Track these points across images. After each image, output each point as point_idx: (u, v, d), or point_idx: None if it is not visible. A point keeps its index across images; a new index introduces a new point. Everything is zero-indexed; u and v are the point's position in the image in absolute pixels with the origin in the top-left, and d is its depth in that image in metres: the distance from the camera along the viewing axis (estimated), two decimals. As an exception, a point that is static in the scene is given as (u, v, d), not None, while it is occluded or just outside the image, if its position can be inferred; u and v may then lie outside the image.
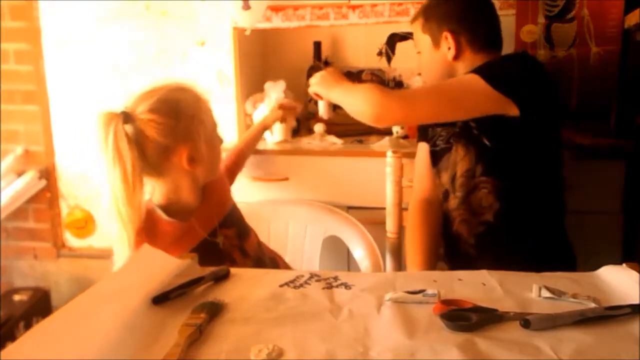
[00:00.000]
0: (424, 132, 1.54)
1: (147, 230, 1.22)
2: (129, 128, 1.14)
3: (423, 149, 1.53)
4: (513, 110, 1.24)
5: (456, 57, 1.38)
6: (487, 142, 1.31)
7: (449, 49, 1.37)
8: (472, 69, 1.34)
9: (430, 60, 1.43)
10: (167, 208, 1.25)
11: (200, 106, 1.22)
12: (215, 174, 1.33)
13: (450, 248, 1.43)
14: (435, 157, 1.46)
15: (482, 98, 1.25)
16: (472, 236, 1.36)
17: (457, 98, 1.28)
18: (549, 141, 1.35)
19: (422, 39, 1.43)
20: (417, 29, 1.44)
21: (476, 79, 1.25)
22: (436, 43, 1.39)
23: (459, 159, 1.37)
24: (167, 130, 1.16)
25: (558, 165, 1.38)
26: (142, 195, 1.17)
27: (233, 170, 1.59)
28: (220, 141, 1.31)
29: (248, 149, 1.72)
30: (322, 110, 1.58)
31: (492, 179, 1.32)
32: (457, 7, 1.38)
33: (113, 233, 1.17)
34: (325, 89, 1.41)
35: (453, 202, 1.40)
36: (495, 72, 1.27)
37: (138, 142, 1.15)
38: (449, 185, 1.41)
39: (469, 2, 1.40)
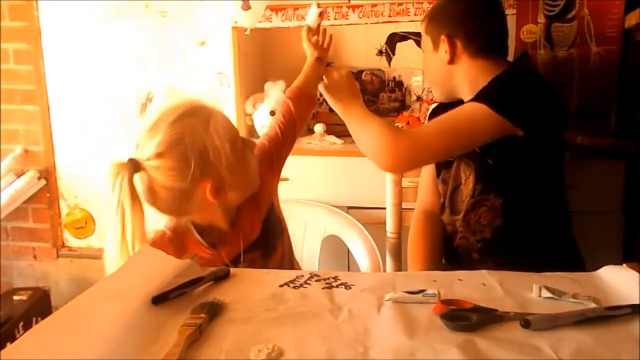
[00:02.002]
0: None
1: (176, 243, 1.16)
2: (141, 176, 1.05)
3: None
4: (518, 132, 1.23)
5: (451, 61, 1.36)
6: (489, 161, 1.30)
7: (446, 52, 1.36)
8: (468, 74, 1.34)
9: (430, 62, 1.44)
10: (198, 227, 1.18)
11: (210, 127, 1.07)
12: (252, 188, 1.20)
13: (453, 259, 1.42)
14: (439, 168, 1.47)
15: (490, 126, 1.23)
16: (473, 252, 1.36)
17: (467, 132, 1.27)
18: (551, 156, 1.33)
19: (425, 40, 1.43)
20: (422, 29, 1.44)
21: (483, 109, 1.23)
22: (435, 45, 1.39)
23: (463, 180, 1.37)
24: (180, 176, 1.05)
25: (560, 179, 1.37)
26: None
27: (295, 118, 1.36)
28: (250, 147, 1.17)
29: (308, 86, 1.41)
30: (312, 19, 1.47)
31: (492, 196, 1.32)
32: (456, 12, 1.37)
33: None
34: (334, 102, 1.39)
35: (446, 216, 1.42)
36: (500, 98, 1.24)
37: (152, 190, 1.06)
38: (446, 199, 1.42)
39: (469, 7, 1.38)
